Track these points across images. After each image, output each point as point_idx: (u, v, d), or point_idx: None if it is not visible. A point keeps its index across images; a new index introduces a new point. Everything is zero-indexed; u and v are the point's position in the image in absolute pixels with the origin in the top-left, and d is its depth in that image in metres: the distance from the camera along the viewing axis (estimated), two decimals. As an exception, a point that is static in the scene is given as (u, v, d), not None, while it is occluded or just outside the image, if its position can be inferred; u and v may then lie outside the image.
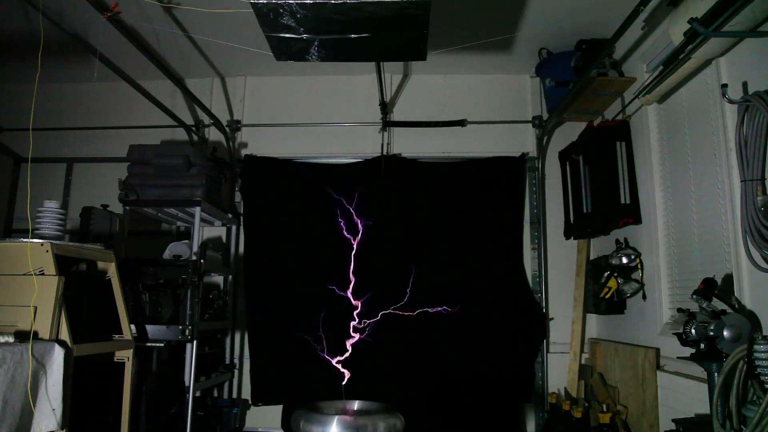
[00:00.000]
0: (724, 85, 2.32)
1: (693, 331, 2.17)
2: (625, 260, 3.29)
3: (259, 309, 3.97)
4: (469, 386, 3.75)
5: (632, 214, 3.27)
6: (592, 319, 3.97)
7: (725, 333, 2.08)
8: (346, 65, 4.09)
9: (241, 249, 4.14)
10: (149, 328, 2.97)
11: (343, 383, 3.41)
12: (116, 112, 4.42)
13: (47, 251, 2.16)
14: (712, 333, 2.10)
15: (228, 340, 3.99)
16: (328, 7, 1.94)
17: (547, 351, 3.91)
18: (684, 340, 2.23)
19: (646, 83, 2.90)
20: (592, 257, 3.90)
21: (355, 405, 3.19)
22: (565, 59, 3.62)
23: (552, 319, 3.97)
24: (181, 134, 4.27)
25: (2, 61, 4.06)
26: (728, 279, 2.44)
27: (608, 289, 3.32)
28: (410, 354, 3.80)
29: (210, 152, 3.83)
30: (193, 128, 4.32)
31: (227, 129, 4.27)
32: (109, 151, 4.27)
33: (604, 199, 3.37)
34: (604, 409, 3.12)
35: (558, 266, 4.04)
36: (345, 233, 3.78)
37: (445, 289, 3.89)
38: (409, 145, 4.23)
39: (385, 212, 3.94)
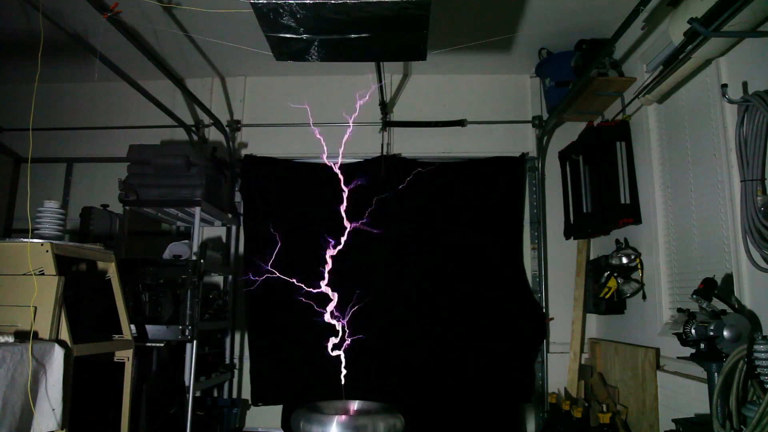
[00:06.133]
0: (724, 85, 2.32)
1: (693, 331, 2.17)
2: (625, 260, 3.29)
3: (259, 309, 3.97)
4: (469, 386, 3.75)
5: (632, 214, 3.27)
6: (592, 319, 3.97)
7: (725, 333, 2.08)
8: (346, 65, 4.09)
9: (241, 249, 4.15)
10: (149, 328, 2.97)
11: (343, 383, 3.41)
12: (116, 112, 4.42)
13: (47, 251, 2.16)
14: (712, 333, 2.10)
15: (228, 340, 3.99)
16: (328, 7, 1.93)
17: (547, 351, 3.91)
18: (684, 340, 2.23)
19: (646, 83, 2.90)
20: (592, 257, 3.90)
21: (355, 405, 3.18)
22: (565, 59, 3.62)
23: (552, 319, 3.97)
24: (181, 134, 4.27)
25: (2, 61, 4.06)
26: (728, 279, 2.44)
27: (608, 289, 3.32)
28: (410, 354, 3.80)
29: (210, 152, 3.83)
30: (193, 128, 4.32)
31: (227, 129, 4.27)
32: (109, 151, 4.27)
33: (604, 199, 3.37)
34: (604, 409, 3.12)
35: (558, 266, 4.04)
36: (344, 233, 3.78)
37: (444, 288, 3.89)
38: (409, 145, 4.23)
39: (385, 212, 3.93)
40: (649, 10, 2.69)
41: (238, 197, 4.21)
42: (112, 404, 2.52)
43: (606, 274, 3.33)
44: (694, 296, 2.24)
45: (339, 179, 4.06)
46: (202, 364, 3.44)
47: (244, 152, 4.28)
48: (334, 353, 3.09)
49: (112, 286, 2.61)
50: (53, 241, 2.23)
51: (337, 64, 3.54)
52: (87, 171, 4.43)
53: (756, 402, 1.89)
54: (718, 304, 2.22)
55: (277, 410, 3.88)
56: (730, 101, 2.26)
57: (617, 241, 3.46)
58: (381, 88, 3.81)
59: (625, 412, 3.13)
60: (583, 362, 3.85)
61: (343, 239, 3.79)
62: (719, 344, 2.09)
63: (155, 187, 3.45)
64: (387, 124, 4.22)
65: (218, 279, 4.12)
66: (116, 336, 2.58)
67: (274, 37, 2.19)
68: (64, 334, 2.08)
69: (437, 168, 4.12)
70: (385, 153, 4.15)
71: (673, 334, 2.40)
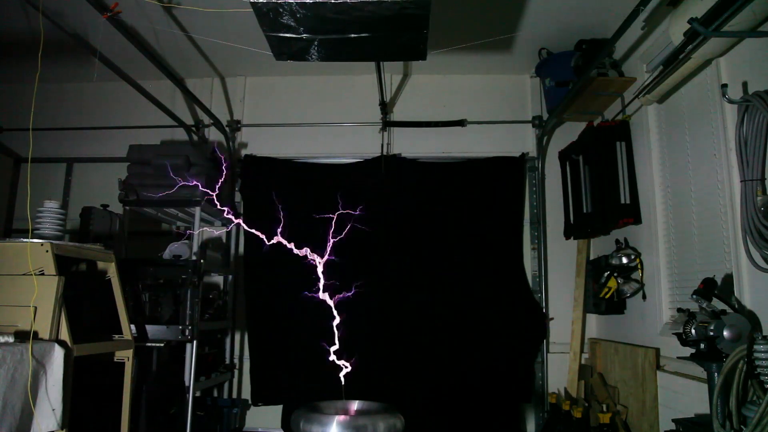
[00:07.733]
0: (724, 85, 2.32)
1: (693, 331, 2.17)
2: (625, 260, 3.29)
3: (259, 309, 3.97)
4: (469, 386, 3.75)
5: (632, 214, 3.27)
6: (592, 319, 3.97)
7: (725, 333, 2.08)
8: (346, 65, 4.09)
9: (241, 249, 4.14)
10: (149, 328, 2.97)
11: (343, 383, 3.41)
12: (116, 112, 4.42)
13: (47, 251, 2.16)
14: (712, 333, 2.10)
15: (228, 340, 3.99)
16: (328, 7, 1.93)
17: (547, 351, 3.91)
18: (684, 340, 2.23)
19: (646, 83, 2.90)
20: (592, 257, 3.90)
21: (355, 405, 3.18)
22: (565, 59, 3.61)
23: (552, 319, 3.97)
24: (181, 134, 4.27)
25: (2, 61, 4.06)
26: (728, 279, 2.44)
27: (608, 289, 3.32)
28: (410, 354, 3.80)
29: (210, 152, 3.83)
30: (193, 128, 4.32)
31: (227, 129, 4.27)
32: (109, 151, 4.27)
33: (604, 199, 3.37)
34: (604, 409, 3.12)
35: (558, 266, 4.04)
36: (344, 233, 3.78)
37: (445, 289, 3.89)
38: (409, 145, 4.23)
39: (385, 212, 3.94)
40: (649, 10, 2.69)
41: (238, 197, 4.21)
42: (112, 404, 2.52)
43: (606, 274, 3.33)
44: (694, 296, 2.24)
45: (339, 179, 4.08)
46: (202, 364, 3.44)
47: (244, 152, 4.28)
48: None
49: (112, 286, 2.61)
50: (53, 241, 2.23)
51: (337, 64, 3.54)
52: (87, 171, 4.43)
53: (756, 402, 1.89)
54: (718, 304, 2.22)
55: (277, 410, 3.88)
56: (730, 101, 2.26)
57: (617, 241, 3.46)
58: (381, 88, 3.81)
59: (625, 412, 3.13)
60: (583, 362, 3.85)
61: (342, 237, 3.80)
62: (719, 344, 2.09)
63: (155, 187, 3.45)
64: (387, 124, 4.22)
65: (218, 279, 4.12)
66: (116, 336, 2.57)
67: (274, 36, 2.19)
68: (64, 334, 2.08)
69: (437, 168, 4.12)
70: (385, 153, 4.15)
71: (673, 334, 2.40)
